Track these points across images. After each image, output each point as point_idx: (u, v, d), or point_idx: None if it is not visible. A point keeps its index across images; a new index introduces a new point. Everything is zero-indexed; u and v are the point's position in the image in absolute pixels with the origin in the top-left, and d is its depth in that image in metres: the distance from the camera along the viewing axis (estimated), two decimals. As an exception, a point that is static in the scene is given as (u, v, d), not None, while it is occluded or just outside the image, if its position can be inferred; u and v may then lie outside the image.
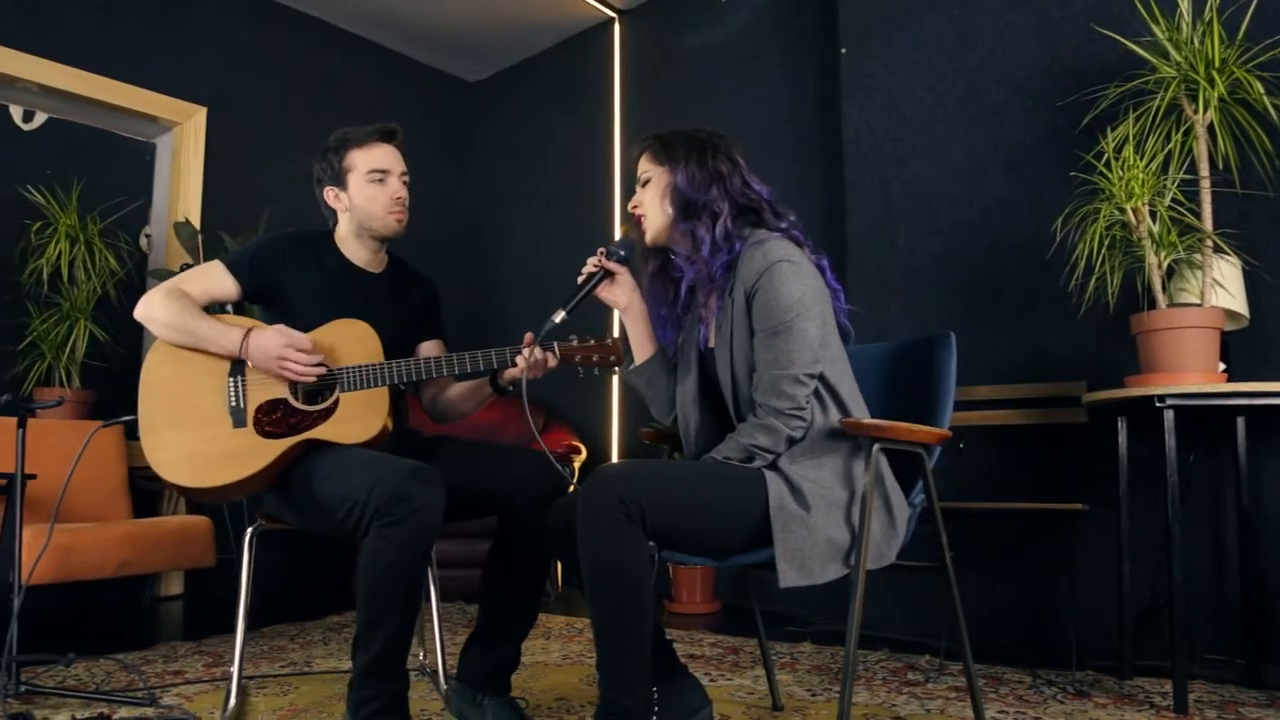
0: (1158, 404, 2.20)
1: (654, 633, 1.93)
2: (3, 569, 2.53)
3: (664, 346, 1.98)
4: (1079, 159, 2.58)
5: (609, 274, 1.88)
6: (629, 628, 1.56)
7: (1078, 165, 2.58)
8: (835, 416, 1.71)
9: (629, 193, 4.55)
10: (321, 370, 2.00)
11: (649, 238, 1.86)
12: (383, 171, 2.16)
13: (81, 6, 3.98)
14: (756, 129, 4.05)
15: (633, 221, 1.89)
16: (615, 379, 4.57)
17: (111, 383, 3.68)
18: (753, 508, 1.62)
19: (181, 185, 4.25)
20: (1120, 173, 2.34)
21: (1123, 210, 2.35)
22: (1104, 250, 2.38)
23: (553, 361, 2.06)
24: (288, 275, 2.12)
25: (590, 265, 1.88)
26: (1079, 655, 2.55)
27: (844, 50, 3.55)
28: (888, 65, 3.41)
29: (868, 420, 1.69)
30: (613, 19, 4.91)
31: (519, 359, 2.04)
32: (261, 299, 2.15)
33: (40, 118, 4.07)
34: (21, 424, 2.33)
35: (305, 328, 2.06)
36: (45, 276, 3.59)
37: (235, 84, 4.46)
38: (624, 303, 1.92)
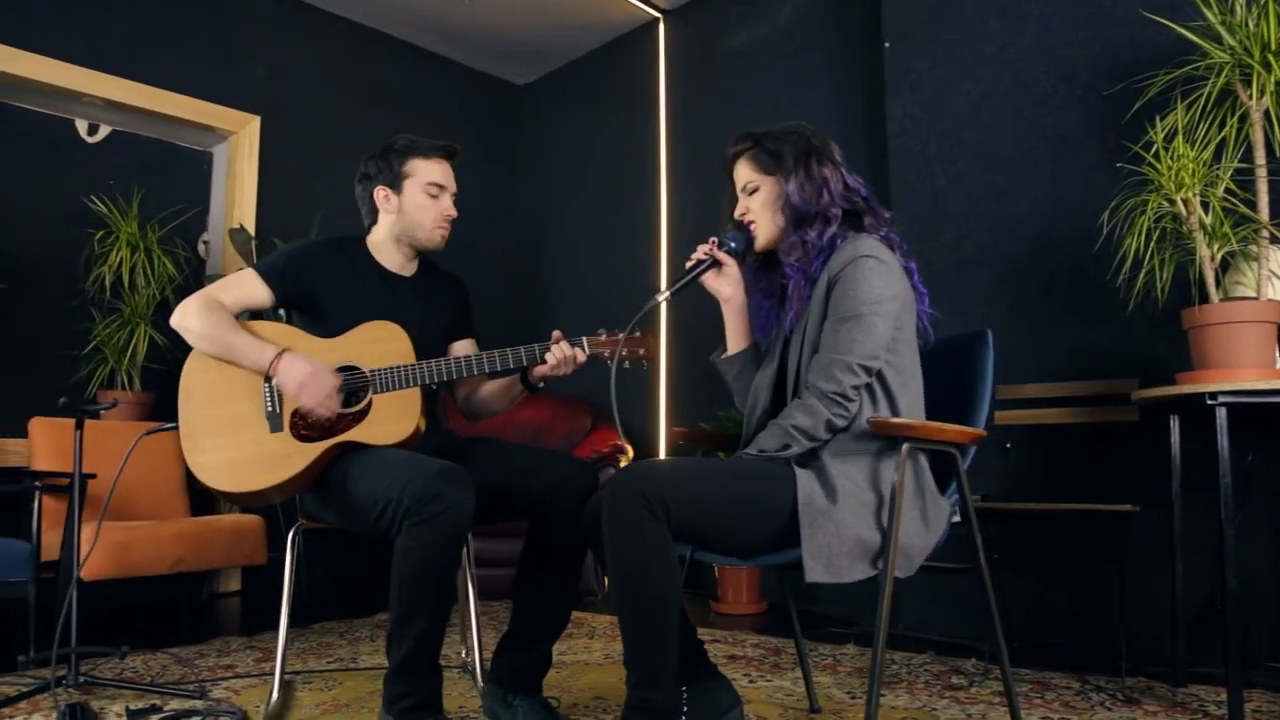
0: (1209, 401, 2.12)
1: (684, 631, 1.93)
2: (65, 564, 2.64)
3: (759, 341, 1.98)
4: (1128, 150, 2.50)
5: (717, 263, 1.90)
6: (655, 623, 1.56)
7: (1126, 156, 2.50)
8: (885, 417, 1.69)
9: (677, 191, 4.62)
10: (335, 405, 2.02)
11: (759, 245, 1.87)
12: (440, 187, 2.20)
13: (143, 24, 4.12)
14: (801, 126, 4.01)
15: (739, 226, 1.89)
16: (663, 378, 4.57)
17: (171, 385, 3.78)
18: (781, 505, 1.61)
19: (236, 192, 4.37)
20: (1169, 162, 2.26)
21: (1172, 201, 2.27)
22: (1153, 243, 2.30)
23: (582, 357, 2.07)
24: (320, 281, 2.16)
25: (700, 252, 1.90)
26: (1130, 661, 2.48)
27: (887, 44, 3.50)
28: (932, 58, 3.35)
29: (894, 419, 1.66)
30: (657, 19, 4.91)
31: (548, 355, 2.05)
32: (295, 305, 2.19)
33: (104, 130, 4.23)
34: (79, 425, 2.41)
35: (338, 331, 2.11)
36: (108, 283, 3.73)
37: (287, 92, 4.58)
38: (728, 294, 1.93)
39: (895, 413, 1.70)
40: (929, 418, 1.77)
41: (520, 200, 5.59)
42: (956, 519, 2.85)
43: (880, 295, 1.66)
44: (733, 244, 1.89)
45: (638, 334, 2.08)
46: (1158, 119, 2.38)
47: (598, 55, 5.26)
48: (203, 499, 3.75)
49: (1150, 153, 2.33)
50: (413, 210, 2.19)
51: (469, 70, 5.46)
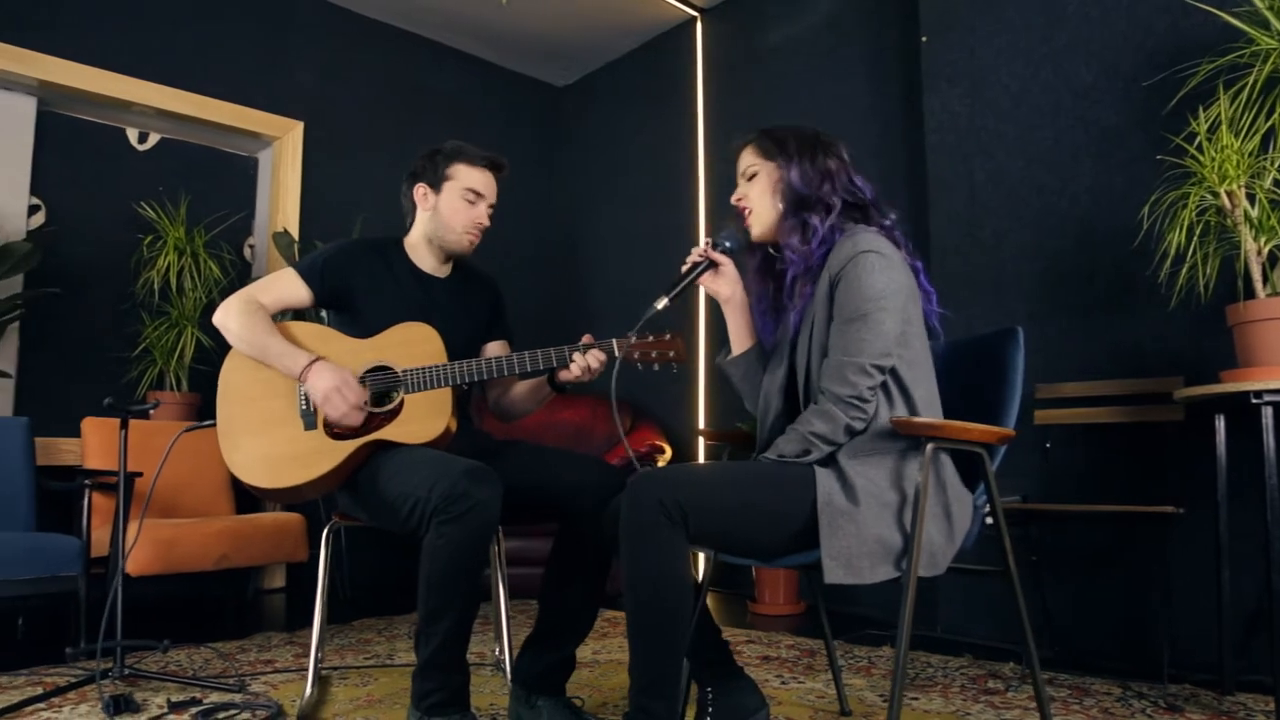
0: (1254, 400, 2.06)
1: (710, 633, 1.93)
2: (113, 560, 2.71)
3: (762, 340, 1.96)
4: (1170, 142, 2.44)
5: (714, 264, 1.88)
6: (663, 632, 1.55)
7: (1168, 148, 2.43)
8: (901, 415, 1.66)
9: (715, 190, 4.61)
10: (359, 418, 2.04)
11: (756, 233, 1.85)
12: (477, 194, 2.23)
13: (191, 35, 4.23)
14: (839, 123, 3.98)
15: (735, 215, 1.87)
16: (701, 379, 4.56)
17: (216, 386, 3.89)
18: (800, 508, 1.59)
19: (280, 197, 4.45)
20: (1213, 154, 2.20)
21: (1215, 194, 2.20)
22: (1196, 237, 2.24)
23: (596, 364, 2.05)
24: (357, 281, 2.20)
25: (695, 254, 1.88)
26: (1174, 668, 2.42)
27: (925, 38, 3.45)
28: (971, 52, 3.30)
29: (919, 419, 1.63)
30: (694, 18, 4.90)
31: (572, 364, 2.05)
32: (332, 304, 2.23)
33: (154, 138, 4.34)
34: (123, 425, 2.48)
35: (372, 332, 2.14)
36: (156, 287, 3.83)
37: (329, 98, 4.65)
38: (726, 294, 1.91)
39: (912, 407, 1.67)
40: (956, 416, 1.74)
41: (560, 200, 5.62)
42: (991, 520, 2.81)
43: (884, 290, 1.63)
44: (727, 243, 1.86)
45: (667, 336, 2.07)
46: (1200, 109, 2.31)
47: (636, 55, 5.27)
48: (248, 497, 3.83)
49: (1193, 144, 2.26)
50: (447, 212, 2.22)
51: (509, 73, 5.50)
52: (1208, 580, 2.45)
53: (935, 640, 3.04)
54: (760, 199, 1.81)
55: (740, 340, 1.94)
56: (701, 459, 4.52)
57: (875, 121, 3.87)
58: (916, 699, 2.32)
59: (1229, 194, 2.19)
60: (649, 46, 5.17)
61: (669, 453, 4.30)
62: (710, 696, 1.87)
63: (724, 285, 1.90)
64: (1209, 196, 2.22)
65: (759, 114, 4.40)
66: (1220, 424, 2.40)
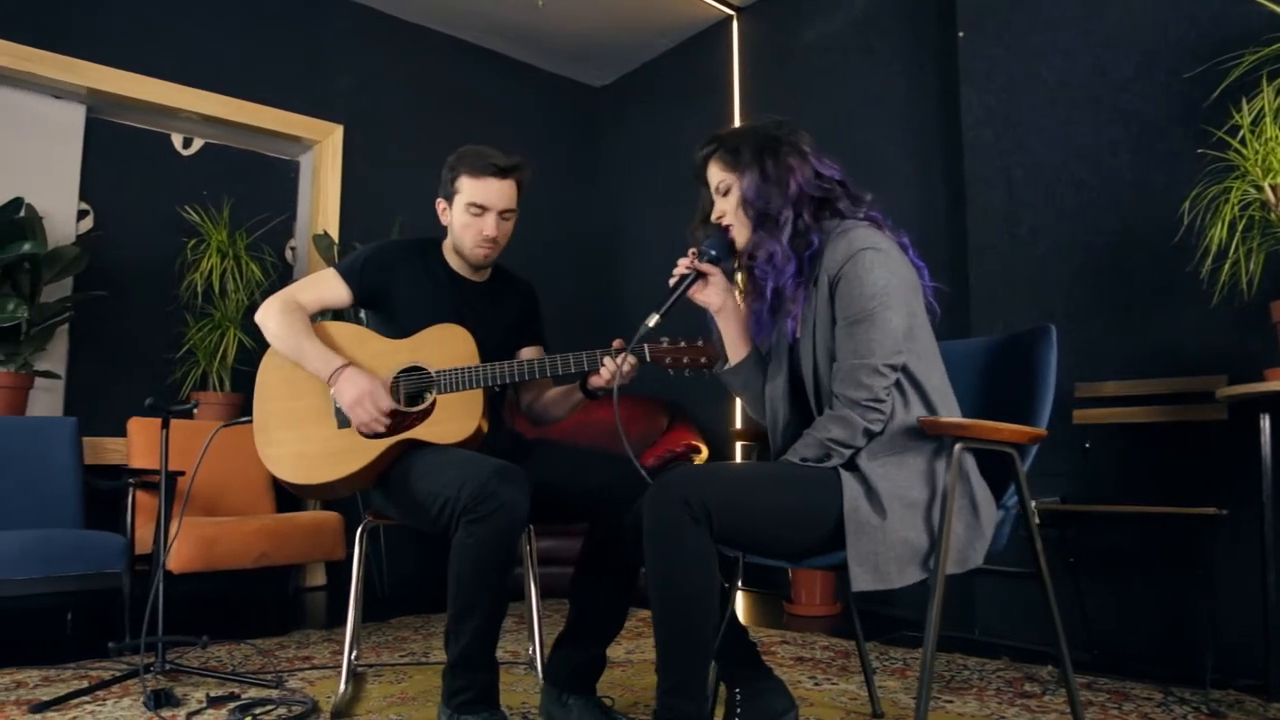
0: (1299, 399, 2.00)
1: (736, 634, 1.92)
2: (155, 557, 2.77)
3: (759, 346, 1.94)
4: (1212, 135, 2.38)
5: (701, 275, 1.85)
6: (690, 632, 1.54)
7: (1209, 141, 2.37)
8: (919, 412, 1.64)
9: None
10: (382, 426, 2.06)
11: (740, 246, 1.82)
12: (481, 207, 2.18)
13: (233, 41, 4.31)
14: (875, 121, 3.95)
15: (720, 231, 1.84)
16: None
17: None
18: (826, 512, 1.58)
19: (321, 199, 4.52)
20: (1256, 147, 2.15)
21: (1259, 188, 2.15)
22: (1239, 232, 2.18)
23: (628, 367, 2.05)
24: (395, 282, 2.23)
25: (682, 267, 1.85)
26: (1217, 673, 2.36)
27: (961, 33, 3.41)
28: (1008, 46, 3.25)
29: (947, 419, 1.61)
30: (730, 16, 4.89)
31: (602, 369, 2.05)
32: (370, 304, 2.26)
33: (198, 143, 4.43)
34: (164, 425, 2.54)
35: (407, 332, 2.16)
36: (199, 289, 3.91)
37: (369, 101, 4.72)
38: (717, 304, 1.88)
39: (927, 400, 1.65)
40: (988, 415, 1.71)
41: (597, 201, 5.64)
42: (1035, 521, 2.76)
43: (885, 287, 1.61)
44: (712, 251, 1.83)
45: (699, 342, 2.06)
46: (1244, 101, 2.26)
47: (673, 55, 5.27)
48: (290, 496, 3.89)
49: (1236, 138, 2.21)
50: (458, 228, 2.21)
51: (546, 74, 5.53)
52: (1252, 583, 2.39)
53: (972, 643, 3.00)
54: (736, 214, 1.78)
55: (735, 349, 1.91)
56: (739, 459, 4.51)
57: (911, 118, 3.83)
58: (951, 701, 2.30)
59: (1273, 188, 2.14)
60: (685, 46, 5.17)
61: (705, 453, 4.29)
62: (738, 698, 1.86)
63: (713, 295, 1.87)
64: (1252, 190, 2.17)
65: (795, 111, 4.36)
66: (1265, 423, 2.33)
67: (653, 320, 1.83)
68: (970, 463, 1.65)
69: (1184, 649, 2.63)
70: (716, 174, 1.81)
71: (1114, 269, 2.89)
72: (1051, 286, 3.05)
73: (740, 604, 4.11)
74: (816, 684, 2.49)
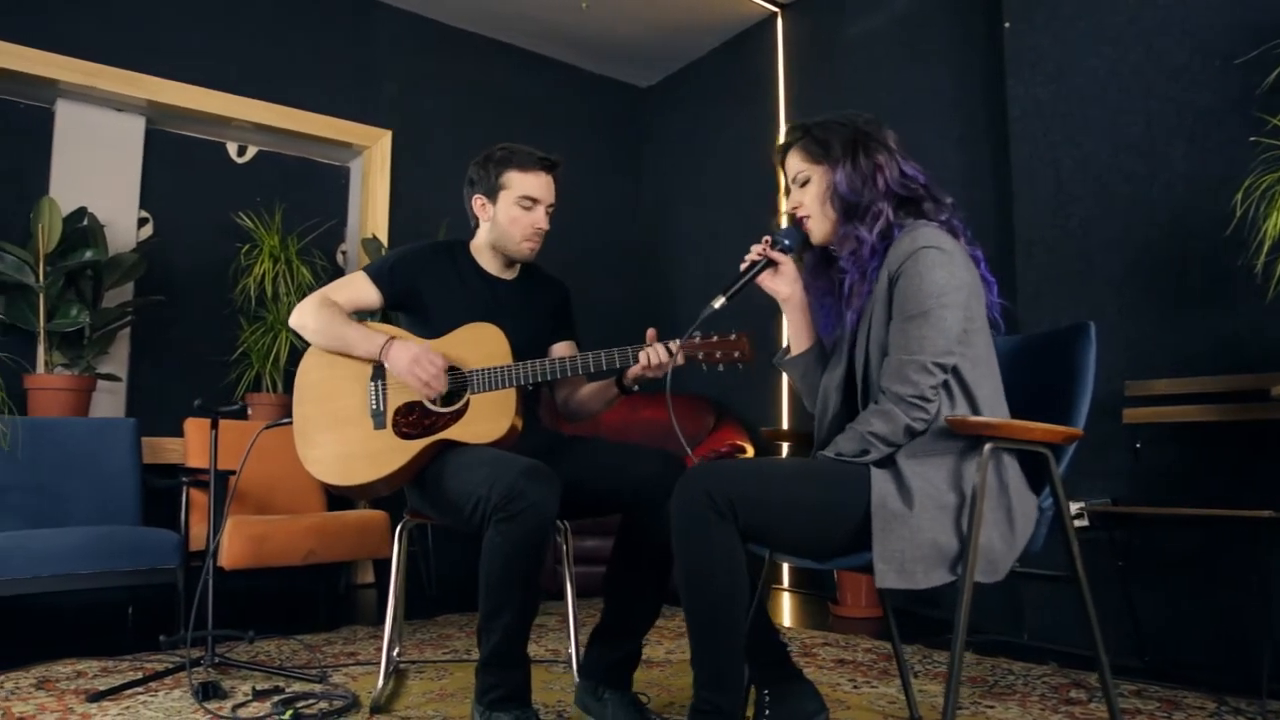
0: (1358, 397, 1.91)
1: (766, 633, 1.91)
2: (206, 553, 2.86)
3: (823, 339, 1.92)
4: (1268, 122, 2.29)
5: (772, 263, 1.84)
6: (720, 625, 1.54)
7: (1265, 129, 2.29)
8: (964, 415, 1.61)
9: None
10: (444, 381, 2.10)
11: (815, 239, 1.81)
12: (533, 200, 2.23)
13: (284, 51, 4.43)
14: (921, 116, 3.89)
15: (794, 223, 1.84)
16: (785, 375, 4.50)
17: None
18: (854, 508, 1.56)
19: (370, 204, 4.61)
20: (1313, 135, 2.06)
21: (1315, 177, 2.07)
22: (1294, 224, 2.10)
23: (665, 358, 2.05)
24: (425, 283, 2.26)
25: (754, 253, 1.85)
26: (1274, 681, 2.26)
27: (1008, 24, 3.33)
28: (1055, 35, 3.17)
29: (975, 418, 1.58)
30: (775, 14, 4.86)
31: (640, 356, 2.06)
32: (401, 306, 2.30)
33: (251, 151, 4.55)
34: (214, 425, 2.61)
35: (440, 333, 2.19)
36: (252, 294, 4.01)
37: (416, 106, 4.79)
38: (786, 293, 1.87)
39: (975, 408, 1.62)
40: (1024, 415, 1.68)
41: (644, 201, 5.65)
42: (1084, 523, 2.70)
43: (945, 287, 1.58)
44: (786, 241, 1.82)
45: (733, 336, 2.06)
46: (1300, 87, 2.17)
47: (718, 54, 5.26)
48: (339, 495, 3.98)
49: (1291, 125, 2.13)
50: (505, 222, 2.25)
51: (592, 75, 5.55)
52: (1313, 589, 2.29)
53: (1021, 647, 2.94)
54: (815, 206, 1.77)
55: (800, 339, 1.90)
56: (784, 455, 4.47)
57: (958, 112, 3.76)
58: (991, 707, 2.25)
59: (1331, 176, 2.05)
60: (730, 44, 5.15)
61: (750, 452, 4.26)
62: (767, 698, 1.86)
63: (783, 284, 1.86)
64: (1308, 180, 2.08)
65: (840, 107, 4.29)
66: (1326, 423, 2.25)
67: (719, 302, 1.84)
68: (1013, 473, 1.61)
69: (1240, 656, 2.53)
70: (796, 164, 1.80)
71: (1166, 263, 2.80)
72: (1101, 281, 2.96)
73: (786, 605, 4.08)
74: (855, 687, 2.46)
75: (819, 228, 1.79)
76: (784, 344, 1.96)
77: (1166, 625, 2.68)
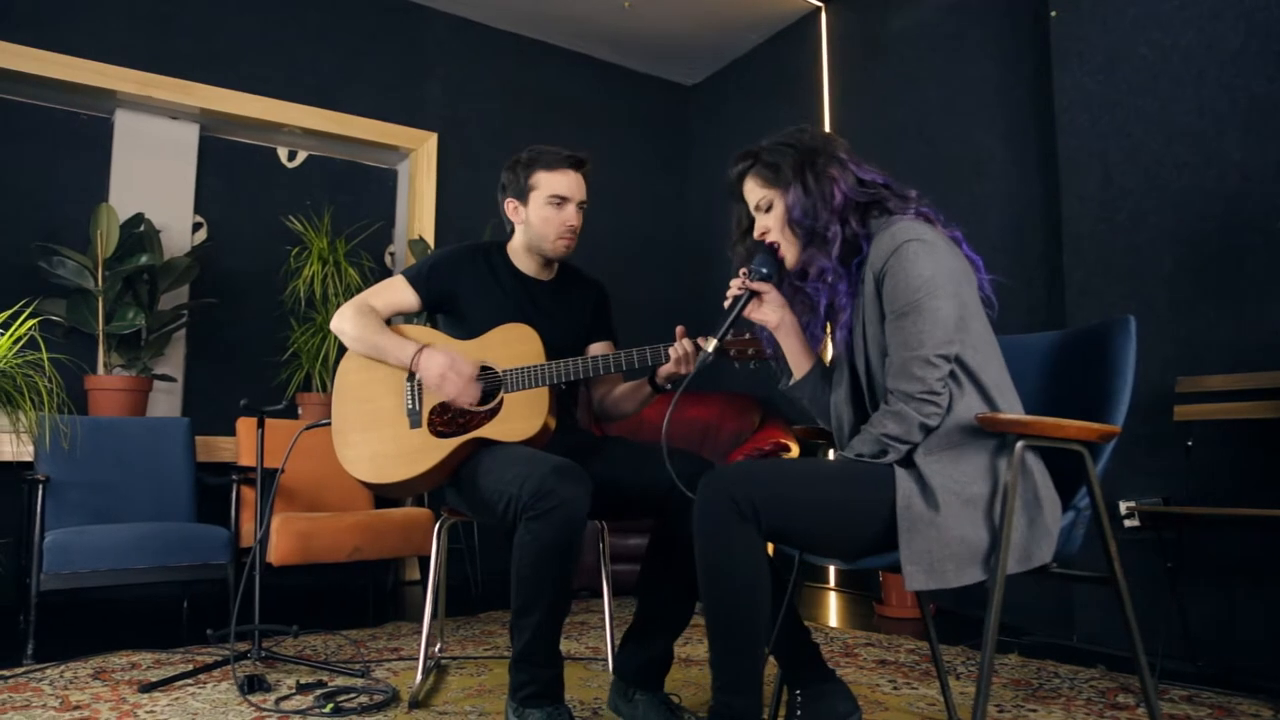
0: None
1: (798, 634, 1.89)
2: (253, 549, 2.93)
3: (820, 358, 1.90)
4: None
5: (755, 294, 1.81)
6: (740, 628, 1.53)
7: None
8: (975, 406, 1.58)
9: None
10: (474, 392, 2.12)
11: (790, 264, 1.79)
12: (563, 198, 2.25)
13: (332, 56, 4.52)
14: (967, 109, 3.82)
15: (766, 249, 1.81)
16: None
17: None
18: (879, 508, 1.54)
19: (417, 206, 4.68)
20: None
21: (1373, 164, 1.98)
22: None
23: (688, 349, 2.05)
24: (461, 285, 2.29)
25: (734, 288, 1.82)
26: (1334, 688, 2.19)
27: (1054, 13, 3.25)
28: (1103, 23, 3.08)
29: (1006, 415, 1.55)
30: (819, 9, 4.81)
31: (669, 352, 2.07)
32: (439, 308, 2.33)
33: (301, 156, 4.65)
34: (260, 424, 2.68)
35: (475, 333, 2.22)
36: (302, 295, 4.10)
37: (461, 108, 4.85)
38: (775, 321, 1.83)
39: (984, 393, 1.58)
40: (1062, 412, 1.64)
41: (691, 199, 5.64)
42: (1135, 523, 2.63)
43: (931, 276, 1.55)
44: (763, 270, 1.78)
45: (746, 335, 2.06)
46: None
47: (762, 50, 5.23)
48: (385, 492, 4.04)
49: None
50: (538, 223, 2.27)
51: (637, 74, 5.56)
52: (1376, 593, 2.20)
53: (1070, 650, 2.87)
54: (781, 231, 1.75)
55: (799, 363, 1.86)
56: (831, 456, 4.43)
57: (1004, 104, 3.69)
58: (1034, 710, 2.20)
59: (1390, 163, 1.97)
60: (774, 41, 5.12)
61: (794, 451, 4.24)
62: (799, 699, 1.84)
63: (770, 313, 1.82)
64: (1366, 167, 2.00)
65: (884, 101, 4.28)
66: (1388, 420, 2.16)
67: (710, 346, 1.82)
68: (1034, 469, 1.58)
69: (1299, 662, 2.44)
70: (755, 190, 1.79)
71: (1220, 255, 2.71)
72: (1152, 275, 2.88)
73: (831, 605, 4.04)
74: (895, 688, 2.43)
75: (789, 252, 1.76)
76: (787, 370, 1.91)
77: (1221, 629, 2.60)
